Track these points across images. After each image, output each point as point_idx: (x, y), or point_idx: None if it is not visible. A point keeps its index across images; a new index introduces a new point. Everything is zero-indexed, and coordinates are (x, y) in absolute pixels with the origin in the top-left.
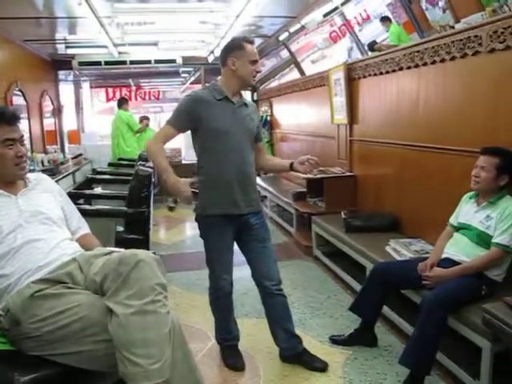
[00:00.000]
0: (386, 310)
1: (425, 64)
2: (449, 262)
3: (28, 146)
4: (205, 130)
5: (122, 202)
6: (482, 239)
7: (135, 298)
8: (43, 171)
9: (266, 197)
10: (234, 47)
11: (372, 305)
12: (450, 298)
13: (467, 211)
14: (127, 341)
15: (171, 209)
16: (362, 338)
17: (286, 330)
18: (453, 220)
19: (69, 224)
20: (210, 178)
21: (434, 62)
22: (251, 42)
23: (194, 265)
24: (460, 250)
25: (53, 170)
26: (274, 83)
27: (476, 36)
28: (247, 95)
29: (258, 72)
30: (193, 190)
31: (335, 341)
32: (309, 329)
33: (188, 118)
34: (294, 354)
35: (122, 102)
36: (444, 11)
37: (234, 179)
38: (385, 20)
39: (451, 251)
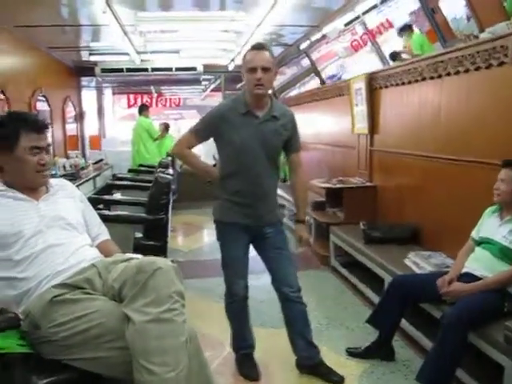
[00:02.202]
0: (404, 323)
1: (448, 74)
2: (469, 277)
3: (50, 150)
4: (225, 143)
5: (141, 209)
6: (505, 254)
7: (152, 305)
8: (64, 176)
9: (284, 205)
10: (242, 60)
11: (390, 318)
12: (471, 313)
13: (490, 225)
14: (143, 348)
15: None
16: (379, 352)
17: (304, 339)
18: (474, 234)
19: (89, 230)
20: (226, 188)
21: (457, 73)
22: (254, 48)
23: (212, 272)
24: (482, 264)
25: (74, 175)
26: (294, 92)
27: (502, 46)
28: None
29: (258, 80)
30: None
31: (352, 353)
32: (325, 340)
33: (209, 130)
34: (311, 364)
35: (143, 109)
36: (468, 20)
37: (250, 193)
38: (404, 30)
39: (472, 266)
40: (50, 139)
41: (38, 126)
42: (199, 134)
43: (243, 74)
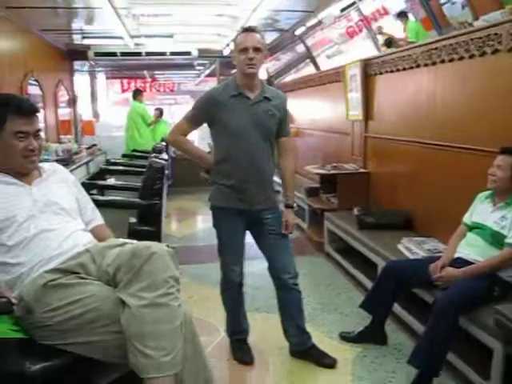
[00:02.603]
0: (396, 308)
1: (442, 61)
2: (461, 262)
3: (42, 135)
4: (218, 128)
5: (135, 194)
6: (496, 239)
7: (148, 290)
8: (57, 161)
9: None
10: (234, 41)
11: (383, 303)
12: (462, 298)
13: (482, 211)
14: (139, 333)
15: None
16: (372, 336)
17: (297, 326)
18: (467, 219)
19: (82, 215)
20: (222, 173)
21: (451, 60)
22: (246, 30)
23: (206, 257)
24: (473, 249)
25: (67, 160)
26: (289, 77)
27: (496, 34)
28: None
29: (250, 59)
30: None
31: (345, 337)
32: (319, 324)
33: (202, 116)
34: (304, 349)
35: (137, 94)
36: (463, 8)
37: (245, 177)
38: (401, 16)
39: (464, 251)
40: (41, 124)
41: (25, 111)
42: (192, 120)
43: (234, 56)
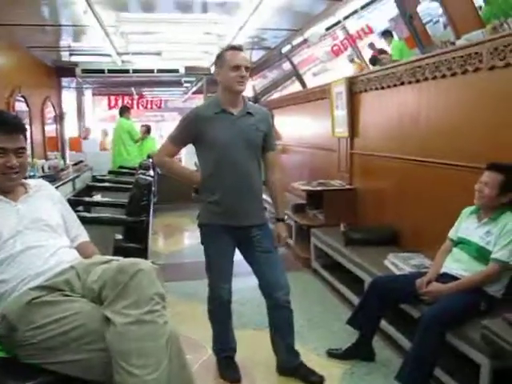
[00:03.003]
0: (383, 323)
1: (426, 79)
2: (447, 277)
3: (29, 151)
4: (204, 144)
5: (121, 210)
6: (482, 254)
7: (133, 307)
8: (43, 177)
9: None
10: (218, 58)
11: (370, 319)
12: (449, 313)
13: (468, 226)
14: (124, 350)
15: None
16: (360, 352)
17: (286, 344)
18: (452, 234)
19: (68, 231)
20: (209, 190)
21: (435, 78)
22: (234, 48)
23: (193, 275)
24: (459, 265)
25: (53, 176)
26: (275, 95)
27: (477, 53)
28: None
29: (242, 77)
30: None
31: (332, 354)
32: (306, 342)
33: (187, 135)
34: (291, 367)
35: (124, 110)
36: (445, 27)
37: (233, 192)
38: (386, 34)
39: (450, 266)
40: (25, 141)
41: (7, 127)
42: (176, 140)
43: (219, 73)
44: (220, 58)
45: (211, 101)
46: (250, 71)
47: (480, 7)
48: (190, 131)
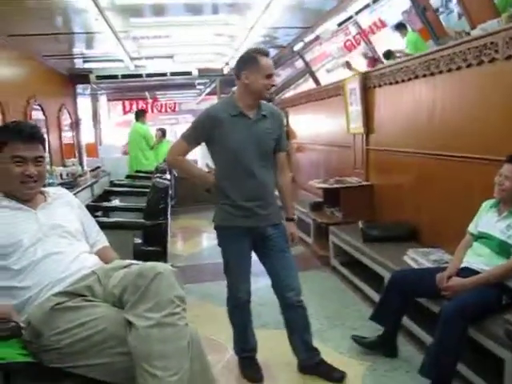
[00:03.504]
0: (404, 319)
1: (441, 72)
2: (468, 272)
3: (47, 159)
4: (219, 147)
5: (139, 214)
6: (504, 249)
7: (154, 310)
8: (62, 184)
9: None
10: (248, 60)
11: (392, 314)
12: (470, 308)
13: (488, 220)
14: (146, 353)
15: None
16: (384, 348)
17: (304, 342)
18: (472, 229)
19: (88, 237)
20: (224, 192)
21: (449, 70)
22: (266, 55)
23: (212, 276)
24: (480, 259)
25: (71, 183)
26: (289, 93)
27: (492, 43)
28: None
29: (272, 86)
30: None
31: (357, 341)
32: (327, 340)
33: (200, 134)
34: (312, 365)
35: (140, 115)
36: (460, 17)
37: (248, 194)
38: (400, 27)
39: (471, 260)
40: (44, 150)
41: (26, 136)
42: (190, 139)
43: (249, 77)
44: (252, 61)
45: (227, 101)
46: None
47: None
48: (204, 131)
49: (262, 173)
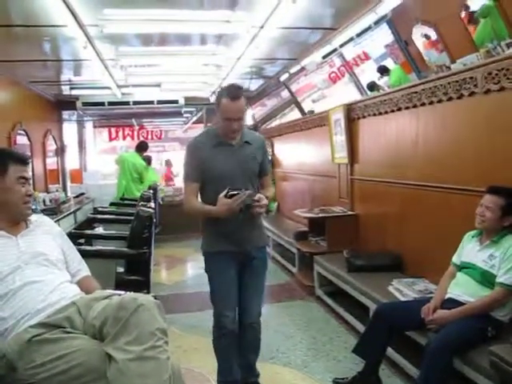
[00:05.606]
0: (389, 351)
1: (423, 104)
2: (453, 303)
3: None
4: (205, 174)
5: (123, 243)
6: (486, 278)
7: (135, 343)
8: (44, 210)
9: (268, 236)
10: (217, 98)
11: (376, 347)
12: (455, 340)
13: (470, 250)
14: None
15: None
16: (366, 381)
17: (247, 361)
18: (455, 259)
19: (69, 266)
20: (211, 218)
21: (431, 103)
22: (232, 98)
23: (196, 306)
24: (464, 290)
25: (54, 210)
26: (275, 123)
27: (471, 77)
28: None
29: (233, 131)
30: (232, 194)
31: (338, 383)
32: (312, 372)
33: (197, 164)
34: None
35: (142, 147)
36: (441, 52)
37: (235, 221)
38: (383, 72)
39: (455, 291)
40: (30, 173)
41: (23, 158)
42: (193, 176)
43: (217, 113)
44: (218, 99)
45: (209, 131)
46: (244, 114)
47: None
48: (197, 160)
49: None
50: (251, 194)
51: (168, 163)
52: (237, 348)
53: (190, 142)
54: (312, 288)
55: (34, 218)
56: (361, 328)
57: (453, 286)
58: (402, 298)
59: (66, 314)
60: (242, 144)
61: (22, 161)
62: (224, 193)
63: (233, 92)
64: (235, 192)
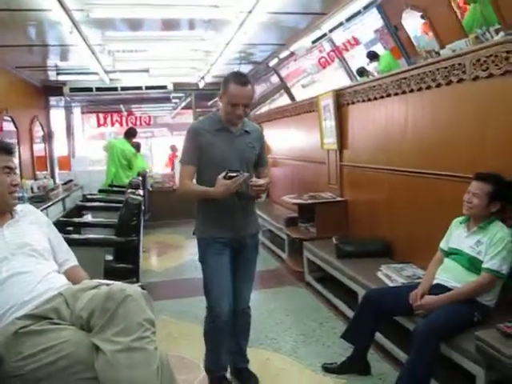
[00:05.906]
0: (378, 336)
1: (412, 91)
2: (440, 289)
3: (18, 172)
4: (203, 159)
5: (111, 231)
6: (473, 264)
7: (122, 334)
8: (32, 198)
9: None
10: (224, 83)
11: (364, 332)
12: (443, 325)
13: (457, 236)
14: (114, 379)
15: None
16: (355, 366)
17: (239, 346)
18: (443, 245)
19: (56, 256)
20: (207, 204)
21: (420, 89)
22: (241, 83)
23: (186, 292)
24: (451, 275)
25: (42, 197)
26: (264, 108)
27: (460, 64)
28: None
29: (239, 116)
30: (231, 175)
31: (327, 369)
32: (301, 357)
33: (195, 147)
34: (237, 369)
35: (131, 134)
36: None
37: (230, 207)
38: (372, 58)
39: (442, 277)
40: (16, 160)
41: (8, 148)
42: (191, 160)
43: (222, 98)
44: (225, 85)
45: (211, 117)
46: (251, 102)
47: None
48: (196, 143)
49: (242, 186)
50: (249, 177)
51: (173, 148)
52: (228, 335)
53: (191, 125)
54: (302, 274)
55: (19, 207)
56: (350, 314)
57: (440, 272)
58: (391, 284)
59: (52, 304)
60: (242, 132)
61: (7, 150)
62: (223, 174)
63: (242, 78)
64: (234, 174)
